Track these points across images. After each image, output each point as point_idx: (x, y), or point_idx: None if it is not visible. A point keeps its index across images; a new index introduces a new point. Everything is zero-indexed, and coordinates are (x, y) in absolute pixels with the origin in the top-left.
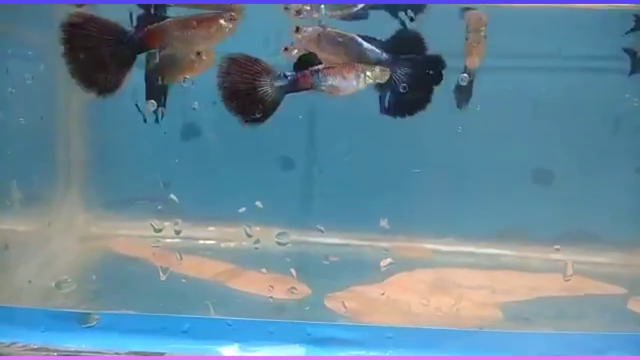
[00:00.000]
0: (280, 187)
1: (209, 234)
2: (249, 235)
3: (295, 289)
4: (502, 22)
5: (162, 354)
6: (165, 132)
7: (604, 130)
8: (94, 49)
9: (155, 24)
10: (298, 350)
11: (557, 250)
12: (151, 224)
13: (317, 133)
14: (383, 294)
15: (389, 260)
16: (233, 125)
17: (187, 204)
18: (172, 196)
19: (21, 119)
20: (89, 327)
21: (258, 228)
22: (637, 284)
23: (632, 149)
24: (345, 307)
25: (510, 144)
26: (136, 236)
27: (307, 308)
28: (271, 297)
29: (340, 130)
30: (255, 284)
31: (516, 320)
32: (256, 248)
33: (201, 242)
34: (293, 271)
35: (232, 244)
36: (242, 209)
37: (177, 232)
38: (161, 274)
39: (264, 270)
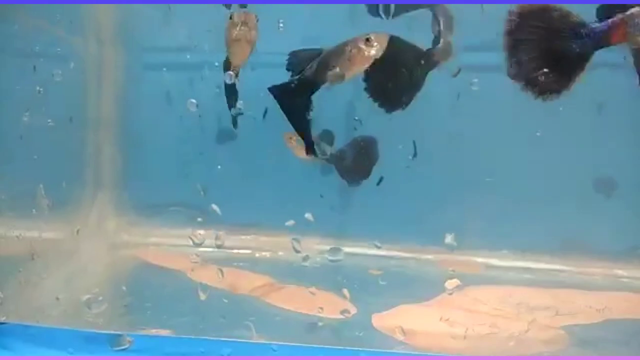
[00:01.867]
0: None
1: (247, 244)
2: (297, 251)
3: (348, 311)
4: None
5: None
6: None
7: None
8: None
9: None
10: None
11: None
12: (190, 238)
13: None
14: (448, 319)
15: (456, 281)
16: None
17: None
18: (214, 206)
19: (49, 121)
20: (121, 349)
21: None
22: None
23: None
24: (404, 332)
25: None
26: (169, 245)
27: (359, 334)
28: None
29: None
30: (298, 301)
31: (583, 346)
32: (305, 265)
33: (235, 251)
34: (345, 291)
35: (270, 255)
36: (291, 222)
37: (219, 246)
38: (201, 293)
39: (312, 288)
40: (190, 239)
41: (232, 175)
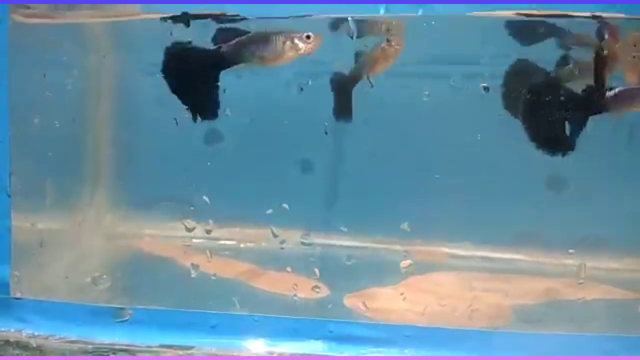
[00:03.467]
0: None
1: (232, 235)
2: (275, 235)
3: (318, 288)
4: None
5: (190, 347)
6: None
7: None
8: None
9: None
10: (319, 346)
11: (571, 254)
12: (184, 224)
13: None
14: (403, 294)
15: (409, 261)
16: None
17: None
18: (205, 197)
19: (56, 122)
20: (122, 321)
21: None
22: None
23: None
24: (366, 307)
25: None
26: (162, 236)
27: (329, 306)
28: (295, 296)
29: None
30: (279, 283)
31: (528, 322)
32: (282, 248)
33: (222, 242)
34: (316, 270)
35: (254, 245)
36: (270, 211)
37: (208, 232)
38: (192, 271)
39: (288, 269)
40: (184, 225)
41: (220, 173)
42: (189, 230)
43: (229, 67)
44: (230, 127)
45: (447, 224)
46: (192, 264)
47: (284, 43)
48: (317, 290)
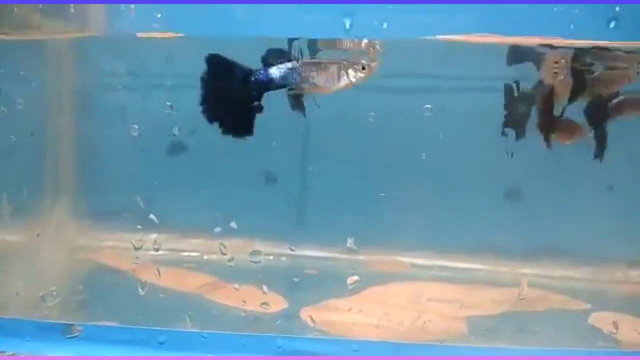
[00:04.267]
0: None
1: (192, 247)
2: (223, 254)
3: (267, 304)
4: None
5: None
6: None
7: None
8: None
9: None
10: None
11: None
12: (131, 242)
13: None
14: (350, 309)
15: (355, 277)
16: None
17: (171, 217)
18: (152, 216)
19: (12, 137)
20: (72, 337)
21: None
22: (600, 299)
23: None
24: (314, 321)
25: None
26: (122, 248)
27: (277, 322)
28: (243, 312)
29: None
30: (232, 297)
31: (480, 334)
32: (230, 266)
33: (184, 254)
34: (265, 287)
35: (214, 257)
36: (218, 229)
37: (156, 250)
38: (140, 289)
39: (236, 285)
40: (132, 243)
41: (183, 184)
42: (137, 248)
43: (274, 89)
44: (193, 139)
45: (407, 234)
46: (142, 281)
47: (339, 72)
48: (266, 306)
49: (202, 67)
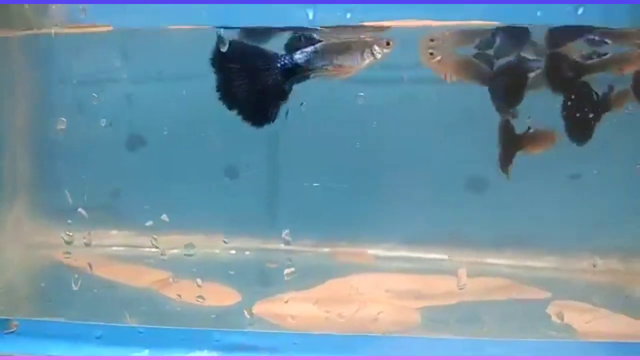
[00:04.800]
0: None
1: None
2: (156, 247)
3: (202, 297)
4: None
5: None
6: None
7: None
8: None
9: None
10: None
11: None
12: (62, 236)
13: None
14: (287, 301)
15: (291, 269)
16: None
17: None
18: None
19: None
20: (9, 332)
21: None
22: (563, 288)
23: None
24: (252, 314)
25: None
26: (80, 245)
27: (213, 316)
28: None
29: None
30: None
31: (432, 325)
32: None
33: (147, 249)
34: (199, 280)
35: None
36: (150, 223)
37: (87, 245)
38: (73, 284)
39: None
40: (62, 237)
41: (142, 180)
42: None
43: (299, 75)
44: (152, 134)
45: (371, 224)
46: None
47: (363, 50)
48: (201, 300)
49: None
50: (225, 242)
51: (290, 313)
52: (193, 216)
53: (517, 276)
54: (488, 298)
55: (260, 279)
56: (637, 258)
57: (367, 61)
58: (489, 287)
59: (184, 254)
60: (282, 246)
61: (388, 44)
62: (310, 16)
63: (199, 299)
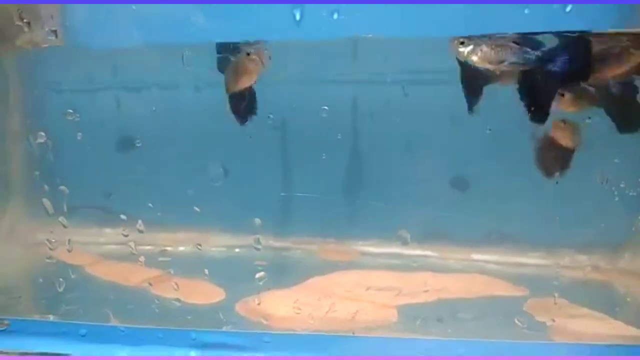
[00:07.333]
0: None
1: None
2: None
3: (183, 296)
4: None
5: (67, 354)
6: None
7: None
8: None
9: None
10: (182, 353)
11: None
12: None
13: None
14: (259, 303)
15: (262, 273)
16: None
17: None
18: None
19: None
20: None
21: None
22: (543, 285)
23: None
24: (235, 313)
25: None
26: (78, 243)
27: (188, 317)
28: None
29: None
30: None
31: (408, 323)
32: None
33: (140, 247)
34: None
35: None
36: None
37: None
38: (57, 287)
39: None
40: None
41: (135, 179)
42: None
43: None
44: (144, 134)
45: (357, 222)
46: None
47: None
48: (184, 298)
49: None
50: (210, 241)
51: (271, 312)
52: (181, 215)
53: (497, 273)
54: (468, 296)
55: (245, 277)
56: (621, 254)
57: None
58: (468, 282)
59: (168, 254)
60: (270, 243)
61: None
62: (297, 17)
63: (181, 298)
